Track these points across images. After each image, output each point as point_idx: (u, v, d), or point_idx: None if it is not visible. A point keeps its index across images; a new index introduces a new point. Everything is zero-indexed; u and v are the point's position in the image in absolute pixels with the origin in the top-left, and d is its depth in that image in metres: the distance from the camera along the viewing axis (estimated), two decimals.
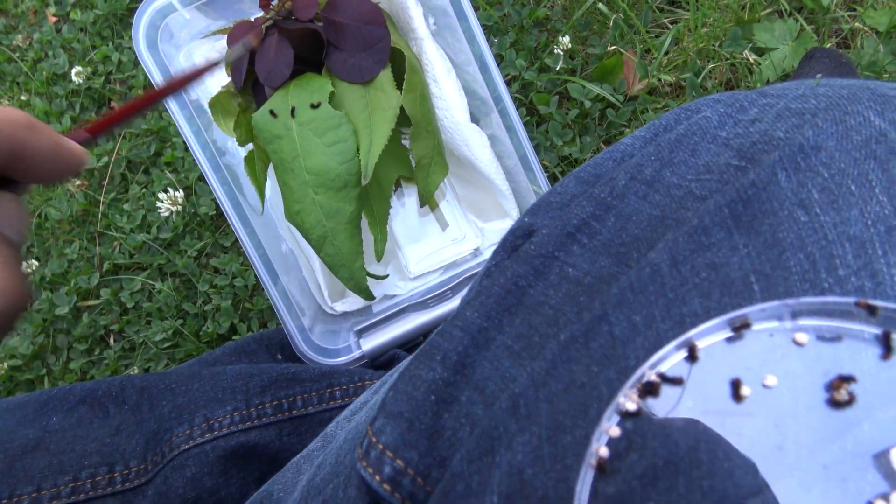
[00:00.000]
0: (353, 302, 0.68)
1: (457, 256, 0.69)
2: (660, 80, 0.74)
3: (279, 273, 0.64)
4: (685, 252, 0.29)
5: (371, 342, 0.61)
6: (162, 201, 0.77)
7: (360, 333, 0.61)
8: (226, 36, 0.64)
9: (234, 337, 0.75)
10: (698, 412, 0.25)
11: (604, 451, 0.25)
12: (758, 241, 0.28)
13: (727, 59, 0.72)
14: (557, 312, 0.31)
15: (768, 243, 0.28)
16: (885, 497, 0.22)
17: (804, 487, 0.23)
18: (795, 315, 0.25)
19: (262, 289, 0.77)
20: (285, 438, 0.57)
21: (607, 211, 0.32)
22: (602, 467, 0.25)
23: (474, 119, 0.67)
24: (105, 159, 0.87)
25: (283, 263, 0.66)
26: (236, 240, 0.79)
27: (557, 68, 0.74)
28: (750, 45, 0.71)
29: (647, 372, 0.25)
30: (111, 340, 0.81)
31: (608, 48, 0.75)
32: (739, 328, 0.25)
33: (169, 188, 0.79)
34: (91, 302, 0.81)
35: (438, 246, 0.70)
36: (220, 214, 0.81)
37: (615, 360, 0.28)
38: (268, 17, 0.63)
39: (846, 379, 0.24)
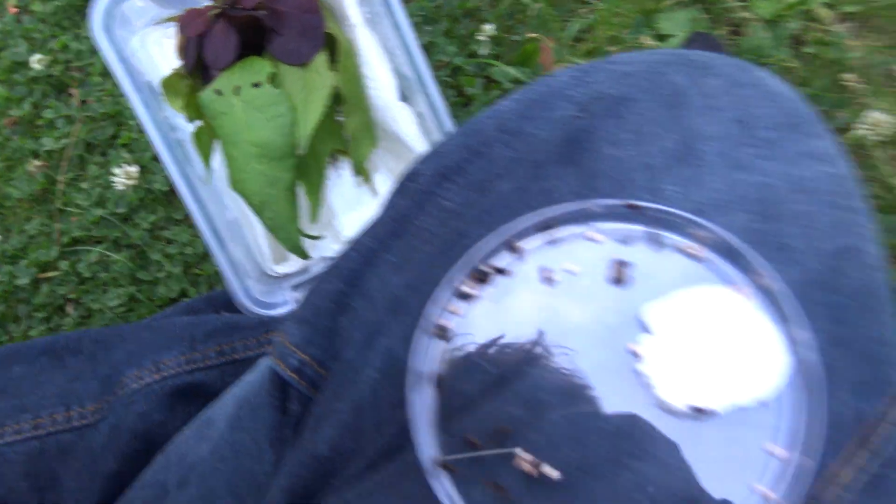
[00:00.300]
0: (293, 264, 0.75)
1: None
2: (573, 63, 0.82)
3: (225, 239, 0.71)
4: (527, 182, 0.36)
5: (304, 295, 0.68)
6: (117, 175, 0.83)
7: (297, 288, 0.68)
8: (177, 23, 0.71)
9: (184, 300, 0.82)
10: (518, 293, 0.33)
11: (444, 322, 0.32)
12: (580, 171, 0.36)
13: (631, 43, 0.81)
14: (431, 234, 0.39)
15: (587, 173, 0.35)
16: (638, 341, 0.30)
17: (593, 341, 0.31)
18: (591, 219, 0.33)
19: (210, 256, 0.84)
20: (227, 379, 0.63)
21: (477, 156, 0.40)
22: (443, 335, 0.32)
23: (404, 98, 0.74)
24: (64, 142, 0.93)
25: (229, 231, 0.73)
26: (187, 213, 0.86)
27: (484, 54, 0.82)
28: (652, 32, 0.80)
29: (482, 265, 0.33)
30: (70, 309, 0.86)
31: (528, 35, 0.83)
32: (548, 228, 0.33)
33: (124, 164, 0.85)
34: (50, 273, 0.87)
35: (371, 213, 0.77)
36: (172, 190, 0.87)
37: (470, 262, 0.35)
38: (215, 5, 0.69)
39: (624, 264, 0.32)
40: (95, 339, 0.66)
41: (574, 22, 0.83)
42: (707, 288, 0.31)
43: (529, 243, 0.33)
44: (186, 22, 0.69)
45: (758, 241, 0.33)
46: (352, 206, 0.77)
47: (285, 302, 0.67)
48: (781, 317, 0.30)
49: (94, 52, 0.98)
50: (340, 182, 0.78)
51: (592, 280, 0.32)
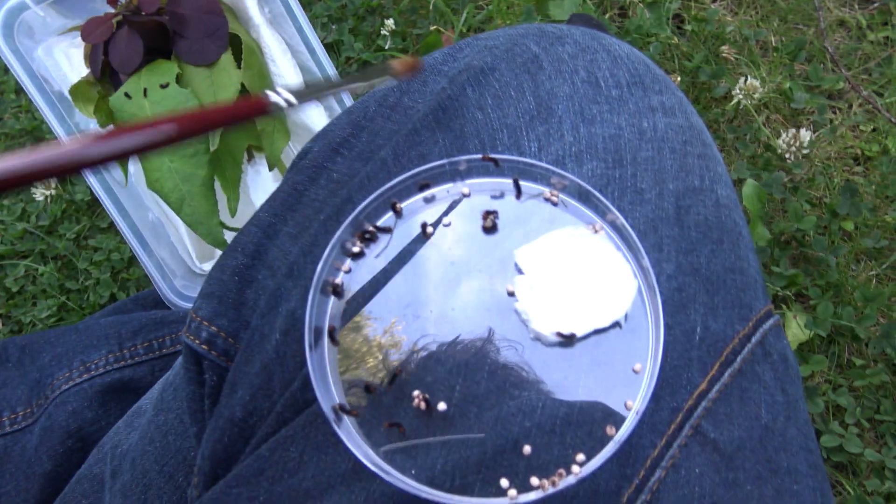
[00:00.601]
0: None
1: None
2: None
3: (149, 241, 0.72)
4: (403, 148, 0.40)
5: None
6: (36, 186, 0.83)
7: None
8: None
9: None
10: (400, 248, 0.36)
11: (334, 279, 0.36)
12: (450, 135, 0.40)
13: None
14: (322, 204, 0.42)
15: (457, 136, 0.39)
16: (514, 283, 0.34)
17: (469, 286, 0.35)
18: (462, 177, 0.37)
19: (136, 261, 0.85)
20: (158, 374, 0.65)
21: (361, 130, 0.43)
22: (335, 291, 0.36)
23: None
24: None
25: (152, 232, 0.74)
26: (111, 219, 0.87)
27: (387, 47, 0.86)
28: (545, 19, 0.85)
29: (366, 224, 0.37)
30: None
31: (430, 28, 0.87)
32: (423, 187, 0.37)
33: None
34: None
35: None
36: (95, 199, 0.88)
37: (357, 227, 0.39)
38: (117, 12, 0.71)
39: (491, 212, 0.36)
40: (21, 346, 0.67)
41: (469, 12, 0.88)
42: (566, 229, 0.35)
43: (409, 203, 0.37)
44: (89, 30, 0.71)
45: (615, 185, 0.37)
46: None
47: None
48: (629, 249, 0.34)
49: (6, 70, 0.98)
50: (259, 176, 0.80)
51: (466, 230, 0.36)
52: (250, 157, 0.81)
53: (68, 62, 0.76)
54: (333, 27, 0.90)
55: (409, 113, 0.43)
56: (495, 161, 0.36)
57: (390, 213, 0.37)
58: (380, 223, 0.37)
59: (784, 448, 0.35)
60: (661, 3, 0.84)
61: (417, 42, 0.89)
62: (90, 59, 0.74)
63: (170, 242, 0.77)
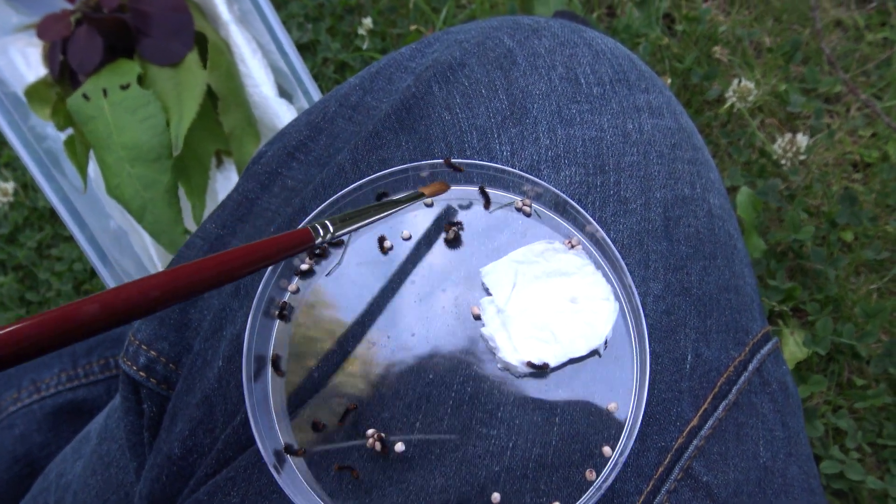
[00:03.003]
0: None
1: None
2: None
3: (109, 250, 0.68)
4: (363, 152, 0.36)
5: None
6: None
7: None
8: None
9: None
10: (355, 265, 0.32)
11: (280, 300, 0.32)
12: (415, 137, 0.36)
13: None
14: (274, 214, 0.38)
15: (422, 138, 0.35)
16: (480, 305, 0.30)
17: (431, 308, 0.31)
18: (425, 183, 0.33)
19: (95, 270, 0.81)
20: (114, 394, 0.61)
21: (320, 132, 0.39)
22: (280, 314, 0.32)
23: (286, 94, 0.73)
24: None
25: (114, 241, 0.70)
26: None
27: (365, 47, 0.82)
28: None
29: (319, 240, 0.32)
30: None
31: (410, 28, 0.83)
32: (382, 196, 0.33)
33: (0, 181, 0.82)
34: None
35: None
36: None
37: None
38: (75, 9, 0.67)
39: (454, 224, 0.32)
40: None
41: (457, 12, 0.84)
42: (538, 244, 0.31)
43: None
44: (45, 27, 0.67)
45: (596, 194, 0.33)
46: None
47: None
48: (611, 266, 0.31)
49: None
50: (228, 182, 0.76)
51: (427, 244, 0.32)
52: (219, 163, 0.76)
53: (25, 62, 0.72)
54: (309, 26, 0.86)
55: (371, 113, 0.39)
56: (457, 167, 0.32)
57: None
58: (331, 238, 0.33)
59: (785, 490, 0.31)
60: (651, 2, 0.80)
61: (397, 43, 0.86)
62: (48, 58, 0.70)
63: (134, 252, 0.73)
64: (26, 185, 0.85)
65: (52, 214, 0.85)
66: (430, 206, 0.33)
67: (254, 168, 0.40)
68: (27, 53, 0.72)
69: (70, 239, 0.83)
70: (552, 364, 0.29)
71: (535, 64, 0.37)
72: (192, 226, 0.70)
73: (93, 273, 0.80)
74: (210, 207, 0.72)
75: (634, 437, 0.27)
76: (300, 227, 0.28)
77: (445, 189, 0.32)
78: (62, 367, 0.60)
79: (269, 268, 0.31)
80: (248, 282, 0.36)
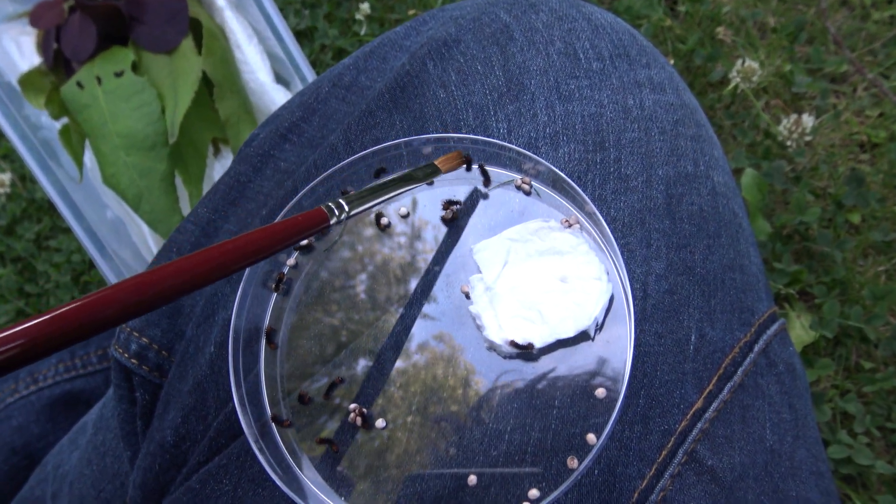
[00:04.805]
0: None
1: None
2: None
3: (107, 240, 0.67)
4: (356, 132, 0.35)
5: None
6: None
7: None
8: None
9: None
10: (353, 241, 0.31)
11: (276, 274, 0.31)
12: (409, 116, 0.35)
13: None
14: (266, 196, 0.37)
15: (416, 117, 0.35)
16: (469, 283, 0.29)
17: (424, 285, 0.30)
18: (423, 161, 0.32)
19: (93, 260, 0.80)
20: None
21: (313, 113, 0.38)
22: (276, 287, 0.31)
23: (283, 80, 0.72)
24: None
25: (112, 231, 0.69)
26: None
27: (363, 33, 0.81)
28: None
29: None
30: None
31: (408, 12, 0.82)
32: (380, 172, 0.32)
33: None
34: None
35: None
36: None
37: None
38: None
39: (453, 202, 0.31)
40: None
41: None
42: (532, 222, 0.30)
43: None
44: (38, 15, 0.66)
45: (596, 171, 0.32)
46: None
47: None
48: (608, 246, 0.30)
49: None
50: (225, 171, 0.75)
51: (425, 222, 0.31)
52: (216, 150, 0.76)
53: (18, 51, 0.71)
54: (307, 13, 0.85)
55: (365, 93, 0.38)
56: (446, 141, 0.31)
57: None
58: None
59: (792, 474, 0.30)
60: None
61: (395, 27, 0.84)
62: (41, 46, 0.69)
63: (132, 242, 0.73)
64: (24, 177, 0.84)
65: (51, 206, 0.84)
66: (430, 184, 0.32)
67: (246, 151, 0.39)
68: (21, 42, 0.71)
69: (68, 230, 0.83)
70: (538, 345, 0.28)
71: (532, 39, 0.35)
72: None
73: (91, 264, 0.80)
74: None
75: (613, 422, 0.26)
76: (314, 209, 0.27)
77: (462, 162, 0.31)
78: (60, 358, 0.60)
79: None
80: None
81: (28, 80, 0.68)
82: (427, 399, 0.29)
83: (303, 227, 0.26)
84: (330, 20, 0.86)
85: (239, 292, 0.30)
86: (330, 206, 0.27)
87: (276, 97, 0.70)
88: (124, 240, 0.72)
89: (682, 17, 0.80)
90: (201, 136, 0.70)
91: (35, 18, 0.66)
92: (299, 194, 0.31)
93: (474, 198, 0.32)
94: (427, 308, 0.30)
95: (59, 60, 0.69)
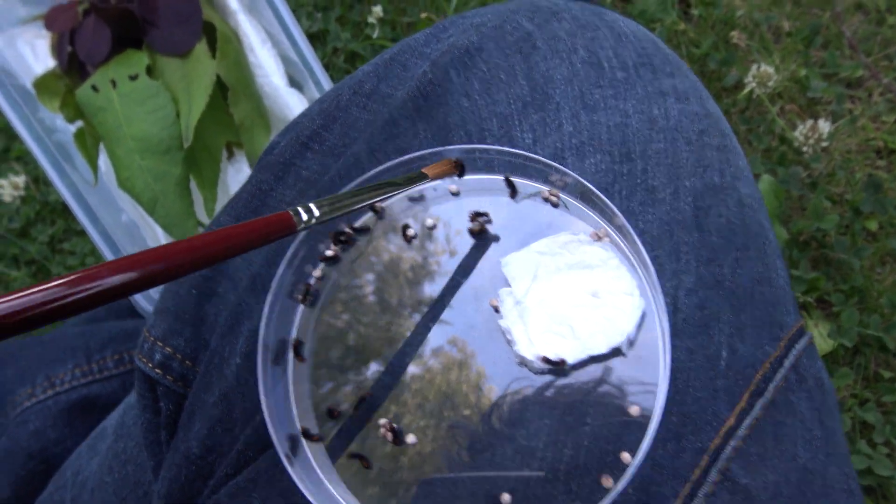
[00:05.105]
0: None
1: None
2: None
3: (123, 244, 0.67)
4: (379, 141, 0.35)
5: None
6: (2, 187, 0.78)
7: None
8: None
9: None
10: (379, 252, 0.31)
11: (303, 285, 0.31)
12: (433, 125, 0.34)
13: None
14: (289, 206, 0.37)
15: (440, 126, 0.34)
16: (498, 296, 0.29)
17: (452, 298, 0.30)
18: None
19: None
20: (129, 389, 0.61)
21: (334, 121, 0.38)
22: (303, 299, 0.31)
23: (296, 84, 0.72)
24: None
25: (126, 235, 0.69)
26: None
27: (375, 36, 0.80)
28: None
29: (342, 225, 0.32)
30: None
31: (421, 15, 0.82)
32: (415, 179, 0.32)
33: (11, 175, 0.81)
34: None
35: None
36: None
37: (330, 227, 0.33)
38: (83, 0, 0.66)
39: (480, 214, 0.31)
40: None
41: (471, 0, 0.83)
42: (561, 235, 0.30)
43: (391, 201, 0.32)
44: (53, 18, 0.66)
45: (623, 182, 0.32)
46: None
47: None
48: (639, 260, 0.29)
49: None
50: (240, 175, 0.75)
51: (453, 234, 0.31)
52: (230, 154, 0.75)
53: (33, 54, 0.71)
54: (319, 16, 0.85)
55: (387, 101, 0.38)
56: (472, 152, 0.31)
57: (369, 213, 0.32)
58: (357, 224, 0.32)
59: (825, 492, 0.30)
60: None
61: (408, 31, 0.84)
62: (56, 49, 0.69)
63: (146, 245, 0.72)
64: (38, 179, 0.84)
65: (65, 208, 0.84)
66: (455, 194, 0.32)
67: (267, 159, 0.39)
68: (35, 45, 0.71)
69: (82, 233, 0.83)
70: (570, 361, 0.27)
71: (555, 48, 0.35)
72: (204, 218, 0.69)
73: None
74: (221, 200, 0.71)
75: (650, 443, 0.26)
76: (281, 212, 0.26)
77: (452, 170, 0.31)
78: (76, 363, 0.60)
79: (290, 251, 0.31)
80: (265, 277, 0.35)
81: (43, 84, 0.68)
82: (455, 414, 0.29)
83: (264, 230, 0.25)
84: (342, 23, 0.85)
85: (266, 304, 0.29)
86: (297, 210, 0.26)
87: (289, 101, 0.70)
88: (139, 243, 0.72)
89: (696, 21, 0.80)
90: (215, 140, 0.69)
91: (49, 21, 0.66)
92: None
93: (501, 209, 0.31)
94: (454, 321, 0.30)
95: (73, 63, 0.69)
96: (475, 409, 0.29)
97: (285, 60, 0.72)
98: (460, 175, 0.31)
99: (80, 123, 0.69)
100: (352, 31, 0.85)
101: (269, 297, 0.30)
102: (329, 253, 0.32)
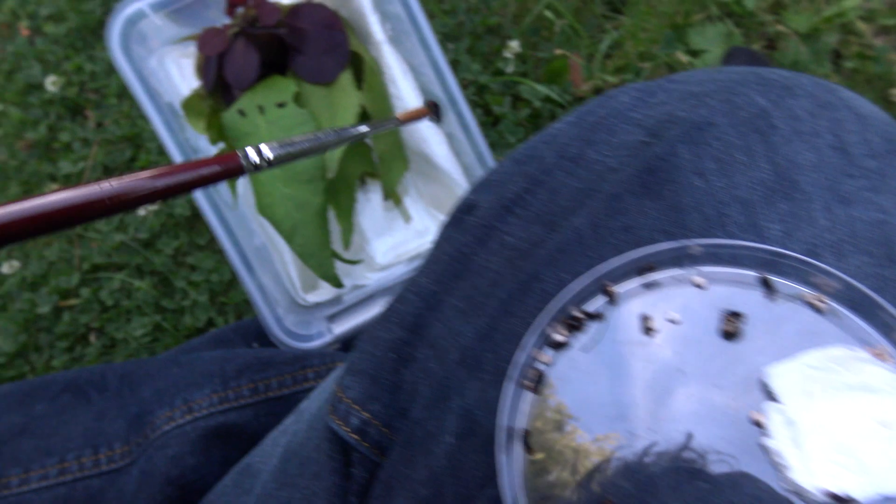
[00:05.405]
0: (324, 293, 0.72)
1: (420, 248, 0.73)
2: (604, 80, 0.80)
3: (255, 267, 0.68)
4: (603, 217, 0.33)
5: (342, 326, 0.65)
6: None
7: (332, 319, 0.65)
8: (195, 42, 0.68)
9: (211, 329, 0.79)
10: (614, 343, 0.30)
11: (533, 372, 0.29)
12: (662, 204, 0.33)
13: (664, 60, 0.78)
14: (497, 275, 0.36)
15: (671, 206, 0.33)
16: (761, 411, 0.27)
17: (699, 404, 0.28)
18: (692, 260, 0.30)
19: (237, 284, 0.81)
20: (262, 419, 0.60)
21: (538, 185, 0.37)
22: (533, 387, 0.29)
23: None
24: (81, 165, 0.90)
25: (257, 257, 0.70)
26: (211, 238, 0.83)
27: (510, 71, 0.79)
28: (684, 47, 0.77)
29: (572, 309, 0.30)
30: (92, 338, 0.83)
31: (555, 52, 0.81)
32: (644, 270, 0.30)
33: None
34: (71, 301, 0.84)
35: (403, 238, 0.74)
36: (194, 215, 0.84)
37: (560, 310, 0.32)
38: (234, 24, 0.67)
39: (736, 315, 0.29)
40: (121, 375, 0.63)
41: (604, 38, 0.81)
42: (838, 349, 0.28)
43: (625, 286, 0.31)
44: (206, 41, 0.67)
45: (891, 289, 0.30)
46: (382, 230, 0.75)
47: (321, 334, 0.65)
48: None
49: (109, 73, 0.95)
50: (369, 204, 0.75)
51: (699, 332, 0.29)
52: (362, 183, 0.75)
53: (179, 72, 0.72)
54: (451, 46, 0.84)
55: (595, 169, 0.36)
56: (750, 249, 0.29)
57: (600, 295, 0.31)
58: (591, 309, 0.31)
59: None
60: (818, 36, 0.75)
61: (538, 66, 0.83)
62: (202, 71, 0.70)
63: (274, 270, 0.73)
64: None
65: (189, 222, 0.85)
66: (701, 287, 0.30)
67: (466, 220, 0.38)
68: (181, 64, 0.72)
69: (204, 248, 0.84)
70: (859, 499, 0.25)
71: (796, 129, 0.33)
72: (339, 248, 0.68)
73: (228, 285, 0.81)
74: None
75: None
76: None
77: (424, 113, 0.31)
78: (213, 389, 0.60)
79: (530, 337, 0.29)
80: (477, 353, 0.33)
81: (190, 104, 0.69)
82: None
83: (214, 168, 0.28)
84: (472, 54, 0.85)
85: (507, 394, 0.28)
86: (246, 151, 0.29)
87: (427, 135, 0.70)
88: (266, 266, 0.72)
89: (850, 74, 0.77)
90: (353, 170, 0.69)
91: (203, 44, 0.67)
92: (564, 297, 0.30)
93: (755, 310, 0.30)
94: (706, 431, 0.28)
95: (217, 85, 0.70)
96: None
97: (424, 92, 0.71)
98: (437, 120, 0.31)
99: (221, 145, 0.70)
100: (481, 63, 0.84)
101: (511, 386, 0.29)
102: (559, 338, 0.30)
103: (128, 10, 0.61)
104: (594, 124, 0.38)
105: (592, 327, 0.31)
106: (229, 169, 0.28)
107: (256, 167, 0.27)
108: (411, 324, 0.36)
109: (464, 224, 0.38)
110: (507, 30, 0.85)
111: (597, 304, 0.31)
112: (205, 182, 0.28)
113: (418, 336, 0.36)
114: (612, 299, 0.31)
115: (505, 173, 0.39)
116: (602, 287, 0.31)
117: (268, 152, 0.26)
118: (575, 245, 0.33)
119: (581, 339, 0.30)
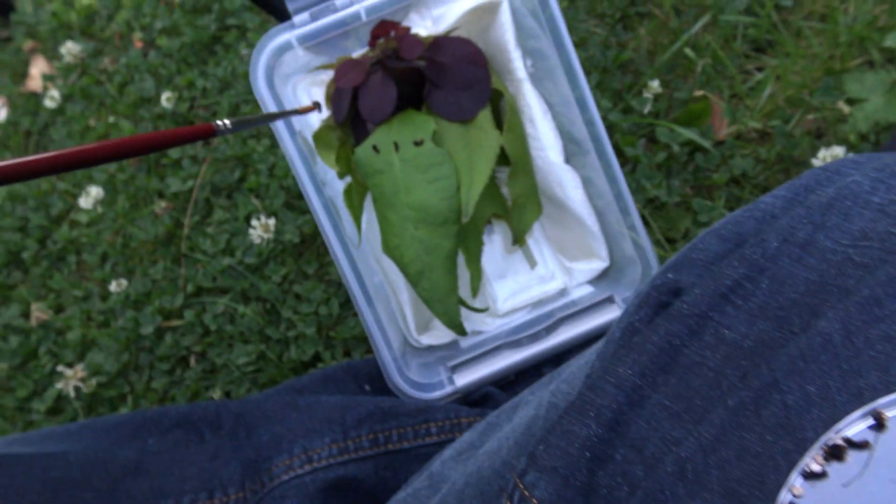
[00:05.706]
0: (439, 335, 0.68)
1: (544, 295, 0.69)
2: (747, 125, 0.74)
3: (375, 305, 0.65)
4: (858, 323, 0.29)
5: (464, 378, 0.61)
6: (255, 228, 0.78)
7: (454, 369, 0.62)
8: (327, 70, 0.66)
9: (318, 364, 0.76)
10: (887, 479, 0.25)
11: None
12: None
13: (817, 108, 0.73)
14: (718, 375, 0.31)
15: None
16: None
17: None
18: None
19: (346, 318, 0.78)
20: (381, 472, 0.57)
21: (760, 273, 0.33)
22: None
23: (567, 160, 0.68)
24: (190, 183, 0.89)
25: (377, 295, 0.67)
26: (319, 267, 0.81)
27: (645, 111, 0.75)
28: (842, 95, 0.72)
29: (833, 436, 0.26)
30: (192, 361, 0.82)
31: (695, 93, 0.76)
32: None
33: (261, 215, 0.81)
34: (174, 322, 0.83)
35: (526, 283, 0.70)
36: (303, 242, 0.83)
37: (790, 430, 0.28)
38: (373, 55, 0.64)
39: None
40: (236, 414, 0.60)
41: (752, 78, 0.76)
42: None
43: (894, 410, 0.26)
44: (343, 72, 0.64)
45: None
46: (503, 274, 0.71)
47: (441, 384, 0.61)
48: None
49: (221, 90, 0.95)
50: (491, 247, 0.72)
51: None
52: (487, 224, 0.72)
53: (309, 101, 0.70)
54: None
55: (831, 259, 0.32)
56: None
57: (864, 421, 0.26)
58: (852, 434, 0.26)
59: None
60: None
61: (673, 107, 0.78)
62: (333, 101, 0.67)
63: (389, 309, 0.70)
64: (274, 214, 0.84)
65: (296, 249, 0.83)
66: None
67: (675, 306, 0.34)
68: (311, 93, 0.70)
69: (312, 276, 0.82)
70: None
71: None
72: (465, 294, 0.65)
73: (338, 319, 0.78)
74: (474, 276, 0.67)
75: None
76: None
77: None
78: (333, 438, 0.57)
79: (791, 476, 0.25)
80: (701, 469, 0.29)
81: (320, 136, 0.66)
82: None
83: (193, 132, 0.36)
84: (601, 89, 0.81)
85: None
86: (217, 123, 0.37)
87: (562, 178, 0.66)
88: (382, 304, 0.70)
89: None
90: (483, 213, 0.66)
91: (340, 75, 0.65)
92: (838, 427, 0.25)
93: None
94: None
95: (348, 118, 0.68)
96: None
97: (562, 133, 0.67)
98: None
99: (348, 179, 0.68)
100: (611, 100, 0.80)
101: None
102: (816, 468, 0.26)
103: (275, 42, 0.59)
104: (825, 206, 0.33)
105: (853, 457, 0.26)
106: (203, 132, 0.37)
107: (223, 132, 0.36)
108: (610, 419, 0.32)
109: (671, 310, 0.34)
110: (640, 66, 0.81)
111: (859, 427, 0.26)
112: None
113: (618, 434, 0.32)
114: (881, 424, 0.26)
115: (712, 253, 0.35)
116: (872, 410, 0.26)
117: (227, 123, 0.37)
118: (823, 353, 0.29)
119: (841, 471, 0.26)
